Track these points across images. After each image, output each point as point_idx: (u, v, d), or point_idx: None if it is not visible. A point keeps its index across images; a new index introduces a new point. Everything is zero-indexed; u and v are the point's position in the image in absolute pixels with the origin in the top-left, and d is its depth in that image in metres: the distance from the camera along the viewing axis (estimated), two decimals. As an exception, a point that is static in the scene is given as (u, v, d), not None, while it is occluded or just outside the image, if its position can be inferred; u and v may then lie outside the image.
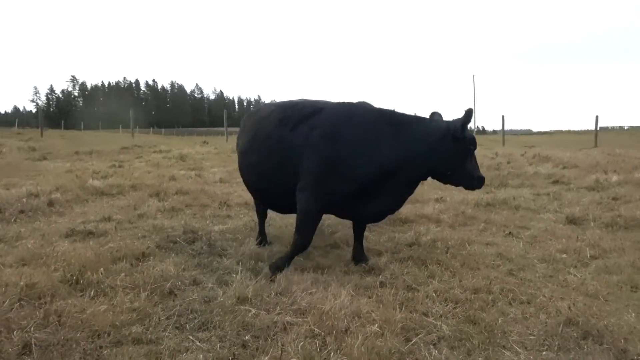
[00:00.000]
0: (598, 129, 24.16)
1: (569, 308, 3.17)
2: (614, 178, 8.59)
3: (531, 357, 2.61)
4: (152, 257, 4.15)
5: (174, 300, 3.29)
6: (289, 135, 3.94)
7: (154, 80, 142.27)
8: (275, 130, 4.06)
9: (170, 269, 3.71)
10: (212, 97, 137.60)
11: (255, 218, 5.23)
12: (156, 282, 3.48)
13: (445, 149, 3.81)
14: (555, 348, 2.71)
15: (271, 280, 3.67)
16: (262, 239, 4.89)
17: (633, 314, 3.12)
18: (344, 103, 4.12)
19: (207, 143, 20.14)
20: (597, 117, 24.00)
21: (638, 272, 3.97)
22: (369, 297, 3.36)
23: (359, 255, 4.27)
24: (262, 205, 4.91)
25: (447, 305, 3.28)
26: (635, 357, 2.62)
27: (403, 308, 3.16)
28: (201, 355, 2.54)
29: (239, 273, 3.74)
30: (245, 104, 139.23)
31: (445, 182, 4.16)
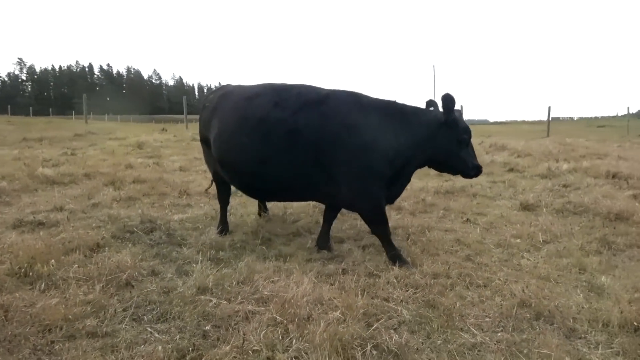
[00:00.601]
0: (550, 119, 25.27)
1: (523, 290, 3.30)
2: (565, 166, 9.00)
3: (487, 338, 2.70)
4: (107, 248, 4.00)
5: (131, 292, 3.19)
6: (291, 119, 3.87)
7: (108, 65, 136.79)
8: (271, 113, 3.93)
9: (126, 259, 3.58)
10: (171, 83, 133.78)
11: (217, 206, 5.11)
12: (112, 274, 3.35)
13: (442, 137, 4.02)
14: (510, 329, 2.82)
15: (407, 265, 3.77)
16: (224, 227, 4.79)
17: (581, 295, 3.28)
18: (345, 91, 4.15)
19: (166, 130, 19.57)
20: (549, 108, 25.14)
21: (586, 255, 4.18)
22: (331, 284, 3.37)
23: (323, 242, 4.28)
24: (245, 190, 4.60)
25: (407, 291, 3.34)
26: (582, 335, 2.76)
27: (365, 294, 3.18)
28: (160, 347, 2.47)
29: (200, 263, 3.66)
30: (205, 90, 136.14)
31: (442, 171, 4.40)
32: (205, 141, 4.65)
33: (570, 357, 2.50)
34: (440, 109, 4.09)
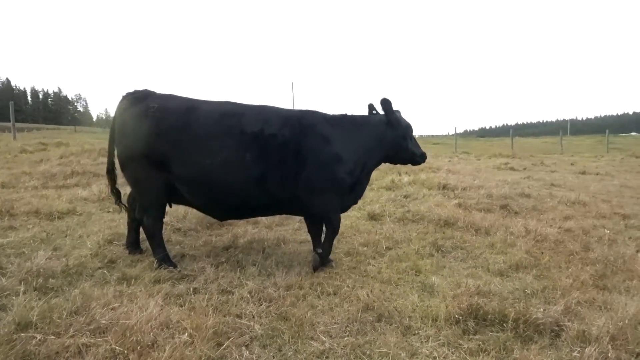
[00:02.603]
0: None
1: (367, 295, 3.55)
2: (405, 179, 10.02)
3: (335, 344, 2.82)
4: None
5: None
6: (280, 133, 4.07)
7: None
8: (264, 129, 4.06)
9: None
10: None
11: (48, 227, 4.49)
12: None
13: (389, 136, 4.56)
14: (355, 332, 2.99)
15: (331, 266, 4.34)
16: (166, 255, 4.20)
17: (416, 295, 3.65)
18: (310, 110, 4.47)
19: (-12, 140, 16.65)
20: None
21: (421, 258, 4.68)
22: (181, 306, 3.20)
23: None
24: (215, 210, 4.36)
25: (261, 305, 3.33)
26: (416, 331, 3.06)
27: (217, 312, 3.08)
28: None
29: (22, 294, 3.15)
30: (41, 96, 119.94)
31: (395, 163, 4.92)
32: (155, 158, 3.99)
33: (406, 353, 2.75)
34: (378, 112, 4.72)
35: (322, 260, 4.23)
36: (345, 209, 4.72)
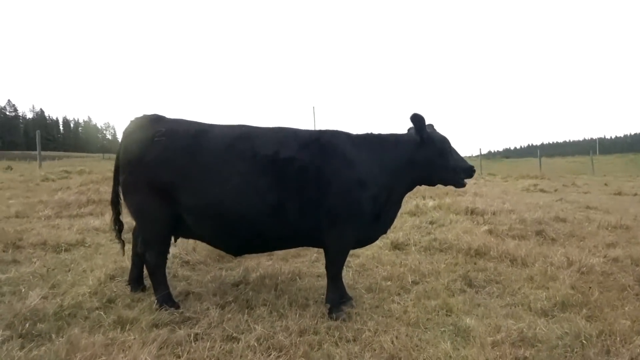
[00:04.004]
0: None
1: (392, 342, 3.09)
2: (430, 203, 9.51)
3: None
4: None
5: None
6: (288, 161, 3.68)
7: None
8: (280, 152, 3.70)
9: None
10: (29, 116, 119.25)
11: (51, 261, 4.21)
12: None
13: (422, 155, 4.04)
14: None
15: (343, 320, 3.54)
16: (168, 294, 3.78)
17: (448, 342, 3.16)
18: (330, 130, 4.07)
19: (11, 169, 16.91)
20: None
21: (451, 295, 4.19)
22: (178, 357, 2.80)
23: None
24: (226, 244, 3.96)
25: (269, 356, 2.90)
26: (451, 391, 2.58)
27: (218, 366, 2.68)
28: None
29: (3, 343, 2.82)
30: (72, 125, 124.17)
31: (434, 185, 4.39)
32: (160, 186, 3.66)
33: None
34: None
35: (334, 312, 3.67)
36: (372, 239, 4.31)
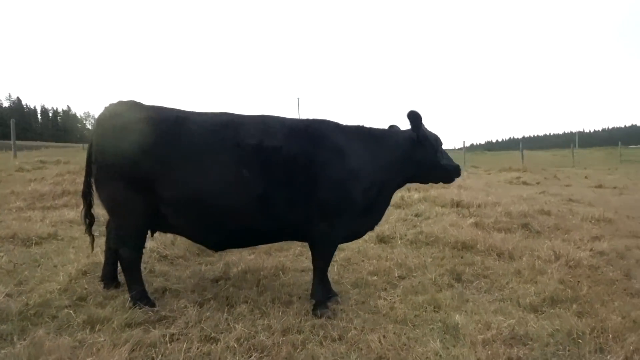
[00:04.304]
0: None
1: (380, 341, 2.96)
2: (415, 195, 9.42)
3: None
4: None
5: None
6: (274, 151, 3.51)
7: None
8: (264, 140, 3.52)
9: None
10: (5, 104, 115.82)
11: (16, 257, 3.96)
12: None
13: (419, 154, 4.00)
14: (366, 397, 2.39)
15: (328, 317, 3.40)
16: (144, 292, 3.57)
17: (438, 340, 3.02)
18: (319, 119, 3.92)
19: (-16, 159, 16.28)
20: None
21: (439, 290, 4.07)
22: (152, 359, 2.61)
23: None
24: (209, 238, 3.73)
25: (250, 357, 2.74)
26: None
27: (195, 369, 2.50)
28: None
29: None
30: (50, 114, 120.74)
31: (426, 182, 4.43)
32: (138, 177, 3.41)
33: None
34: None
35: (318, 309, 3.52)
36: (360, 234, 4.19)
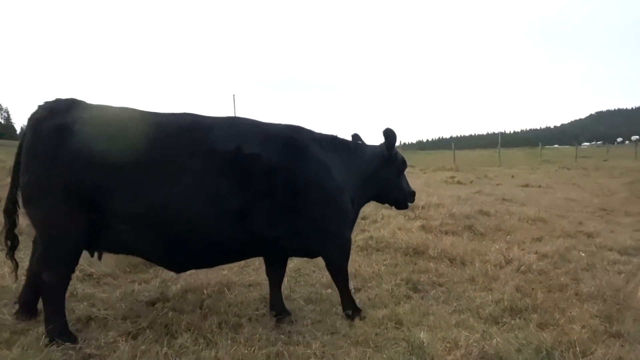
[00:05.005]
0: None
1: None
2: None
3: None
4: None
5: None
6: (264, 154, 3.19)
7: None
8: (242, 147, 3.13)
9: None
10: None
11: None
12: None
13: (386, 171, 3.95)
14: None
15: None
16: (64, 327, 2.95)
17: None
18: (294, 125, 3.63)
19: None
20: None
21: (397, 302, 3.87)
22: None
23: (279, 307, 3.58)
24: (170, 258, 3.19)
25: (197, 402, 2.31)
26: None
27: None
28: None
29: None
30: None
31: (383, 203, 4.25)
32: (82, 191, 2.83)
33: None
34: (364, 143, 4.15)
35: (355, 315, 3.53)
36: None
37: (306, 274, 4.59)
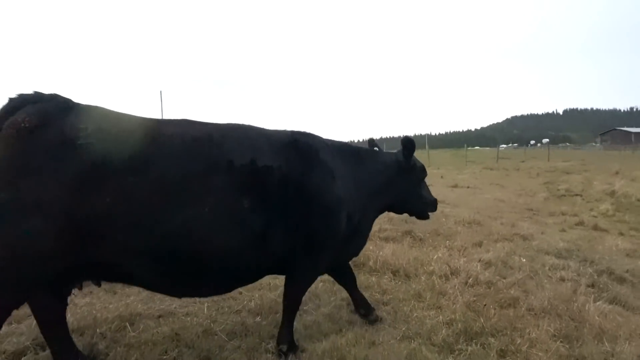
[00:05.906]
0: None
1: None
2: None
3: None
4: None
5: None
6: (267, 172, 2.68)
7: None
8: (257, 160, 2.66)
9: None
10: None
11: None
12: None
13: (403, 183, 3.64)
14: None
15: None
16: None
17: None
18: (302, 132, 3.21)
19: None
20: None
21: (339, 331, 3.32)
22: None
23: (364, 306, 3.58)
24: (177, 287, 2.66)
25: None
26: None
27: None
28: None
29: None
30: None
31: (400, 213, 3.90)
32: (76, 221, 2.10)
33: None
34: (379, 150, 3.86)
35: (291, 352, 2.95)
36: (344, 262, 3.67)
37: (232, 297, 3.89)
